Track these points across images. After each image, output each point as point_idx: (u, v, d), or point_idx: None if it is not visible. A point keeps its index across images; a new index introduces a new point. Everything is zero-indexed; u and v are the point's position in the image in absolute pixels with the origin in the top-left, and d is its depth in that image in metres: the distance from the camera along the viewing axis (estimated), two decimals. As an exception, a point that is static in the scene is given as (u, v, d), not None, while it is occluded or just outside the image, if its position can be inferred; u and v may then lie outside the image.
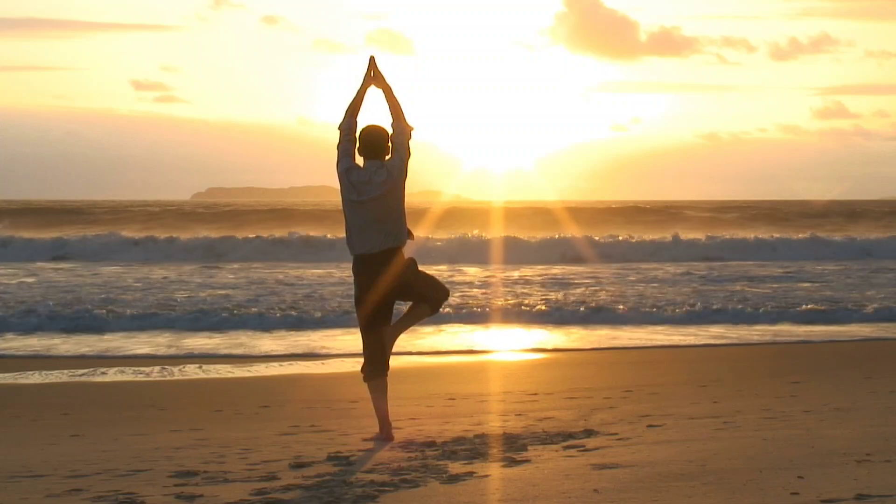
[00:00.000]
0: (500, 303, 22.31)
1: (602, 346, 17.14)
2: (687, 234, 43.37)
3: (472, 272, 31.48)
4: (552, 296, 23.92)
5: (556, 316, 20.53)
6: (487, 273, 31.48)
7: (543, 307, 21.38)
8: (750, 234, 46.20)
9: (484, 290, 25.72)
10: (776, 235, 44.84)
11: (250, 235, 42.05)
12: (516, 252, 37.47)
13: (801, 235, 44.60)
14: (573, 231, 45.20)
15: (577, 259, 36.94)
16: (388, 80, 8.19)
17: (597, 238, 41.39)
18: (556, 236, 41.76)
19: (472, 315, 20.42)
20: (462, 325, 19.31)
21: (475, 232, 42.02)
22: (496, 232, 43.94)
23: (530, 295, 24.47)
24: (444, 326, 18.85)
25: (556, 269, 32.89)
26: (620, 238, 42.14)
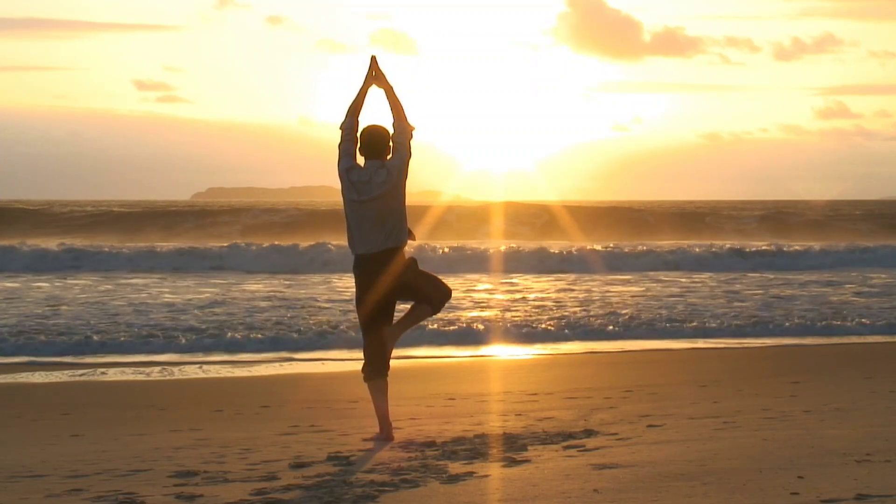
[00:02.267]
0: (500, 314, 22.14)
1: (602, 348, 17.11)
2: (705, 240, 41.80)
3: (472, 278, 31.38)
4: (554, 309, 23.80)
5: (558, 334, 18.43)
6: (486, 281, 31.41)
7: (543, 323, 19.33)
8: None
9: (483, 301, 25.67)
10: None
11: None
12: (517, 259, 36.38)
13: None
14: (574, 233, 44.41)
15: (582, 267, 35.36)
16: (390, 79, 8.20)
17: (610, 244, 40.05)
18: (562, 244, 39.12)
19: (468, 330, 18.62)
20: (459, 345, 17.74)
21: (467, 241, 39.38)
22: (496, 233, 43.04)
23: (529, 302, 24.45)
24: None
25: (555, 277, 32.83)
26: (626, 249, 38.95)
